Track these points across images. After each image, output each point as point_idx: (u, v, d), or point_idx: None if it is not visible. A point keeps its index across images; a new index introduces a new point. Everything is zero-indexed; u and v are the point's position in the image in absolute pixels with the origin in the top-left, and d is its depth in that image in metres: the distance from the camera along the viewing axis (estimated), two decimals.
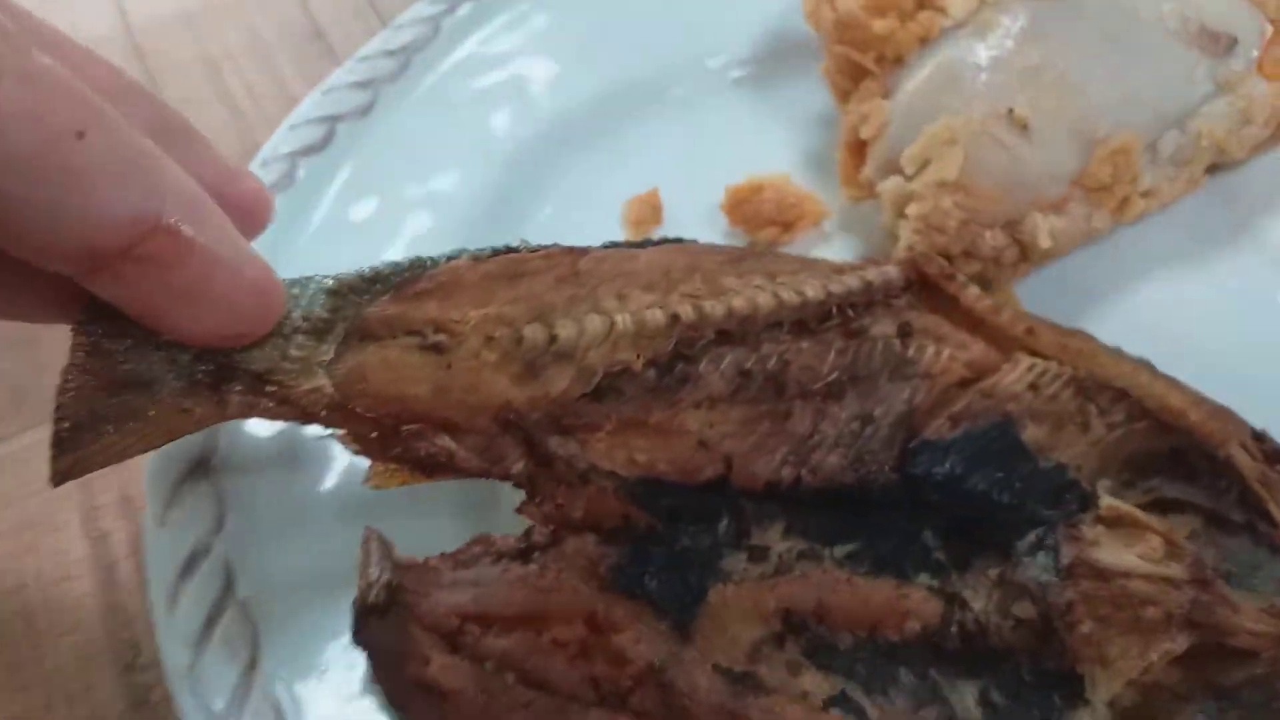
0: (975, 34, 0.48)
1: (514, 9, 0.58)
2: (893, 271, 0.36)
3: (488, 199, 0.51)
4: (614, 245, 0.37)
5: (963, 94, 0.47)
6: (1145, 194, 0.50)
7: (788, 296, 0.34)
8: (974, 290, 0.36)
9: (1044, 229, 0.47)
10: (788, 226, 0.52)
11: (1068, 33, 0.48)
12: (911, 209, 0.47)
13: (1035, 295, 0.48)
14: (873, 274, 0.36)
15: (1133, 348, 0.35)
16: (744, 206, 0.52)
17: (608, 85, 0.56)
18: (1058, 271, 0.50)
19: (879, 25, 0.49)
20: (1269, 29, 0.51)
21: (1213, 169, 0.51)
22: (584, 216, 0.49)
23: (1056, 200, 0.48)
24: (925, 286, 0.36)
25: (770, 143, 0.55)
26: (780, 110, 0.57)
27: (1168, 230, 0.51)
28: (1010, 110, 0.47)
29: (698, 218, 0.51)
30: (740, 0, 0.60)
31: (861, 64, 0.50)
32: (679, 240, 0.39)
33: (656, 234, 0.51)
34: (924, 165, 0.47)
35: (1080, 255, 0.50)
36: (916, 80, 0.49)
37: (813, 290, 0.34)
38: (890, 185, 0.48)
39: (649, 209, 0.52)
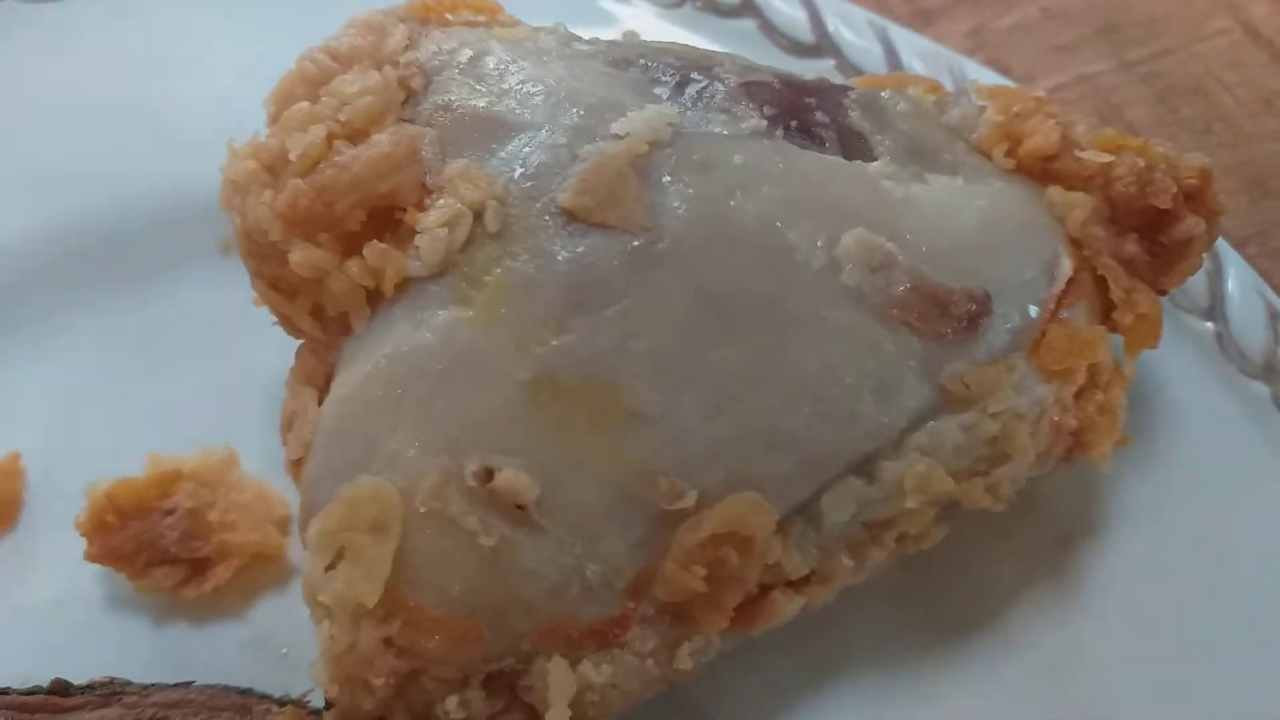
0: (457, 296, 0.25)
1: None
2: None
3: None
4: None
5: (415, 423, 0.24)
6: (802, 582, 0.26)
7: None
8: None
9: (562, 686, 0.24)
10: (199, 569, 0.30)
11: (636, 297, 0.24)
12: (322, 640, 0.25)
13: None
14: None
15: None
16: (109, 535, 0.29)
17: None
18: None
19: (300, 257, 0.26)
20: (1066, 266, 0.27)
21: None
22: None
23: (596, 625, 0.25)
24: None
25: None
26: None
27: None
28: (488, 471, 0.23)
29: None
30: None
31: (292, 318, 0.27)
32: None
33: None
34: (338, 557, 0.25)
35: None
36: (350, 380, 0.26)
37: None
38: (309, 576, 0.25)
39: None
